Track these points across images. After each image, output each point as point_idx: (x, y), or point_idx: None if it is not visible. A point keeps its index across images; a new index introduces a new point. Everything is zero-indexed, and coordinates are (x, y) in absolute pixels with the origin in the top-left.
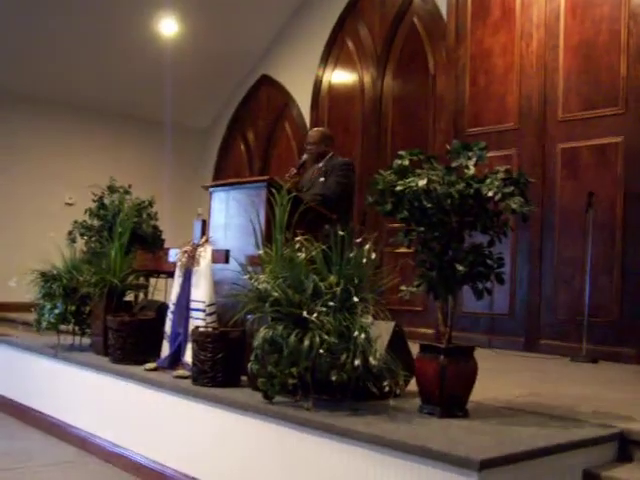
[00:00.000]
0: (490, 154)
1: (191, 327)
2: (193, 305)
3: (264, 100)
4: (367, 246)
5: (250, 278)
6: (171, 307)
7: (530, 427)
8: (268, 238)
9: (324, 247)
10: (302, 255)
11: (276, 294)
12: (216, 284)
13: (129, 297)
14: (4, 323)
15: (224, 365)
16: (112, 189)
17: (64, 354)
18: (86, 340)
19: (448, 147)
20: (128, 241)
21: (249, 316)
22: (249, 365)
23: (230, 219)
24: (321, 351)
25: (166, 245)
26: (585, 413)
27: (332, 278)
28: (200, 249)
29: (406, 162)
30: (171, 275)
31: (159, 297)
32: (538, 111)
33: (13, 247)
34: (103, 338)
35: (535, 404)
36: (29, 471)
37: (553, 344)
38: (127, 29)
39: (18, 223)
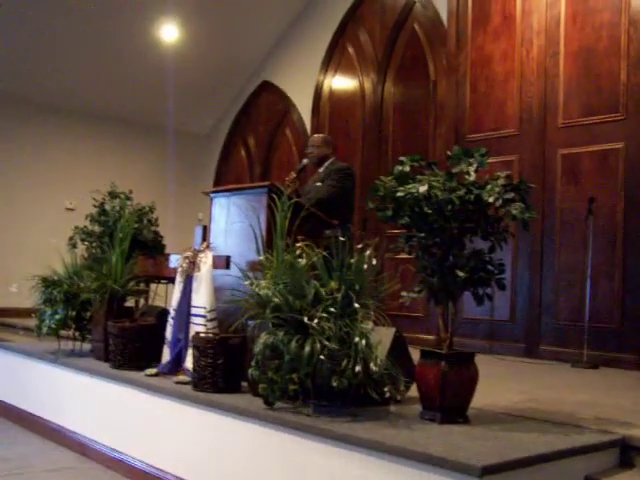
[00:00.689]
0: (491, 160)
1: (192, 333)
2: (194, 311)
3: (265, 106)
4: (368, 252)
5: (251, 284)
6: (172, 313)
7: (531, 433)
8: (269, 244)
9: (325, 253)
10: (303, 261)
11: (277, 300)
12: (217, 290)
13: (130, 303)
14: (5, 329)
15: (225, 371)
16: (113, 195)
17: (64, 360)
18: (87, 346)
19: (449, 153)
20: (129, 247)
21: (250, 322)
22: (250, 371)
23: (231, 225)
24: (322, 357)
25: (167, 251)
26: (586, 419)
27: (333, 284)
28: (201, 255)
29: (407, 168)
30: (172, 281)
31: (160, 303)
32: (538, 117)
33: (14, 253)
34: (104, 344)
35: (536, 410)
36: (29, 477)
37: (554, 350)
38: (128, 35)
39: (18, 228)
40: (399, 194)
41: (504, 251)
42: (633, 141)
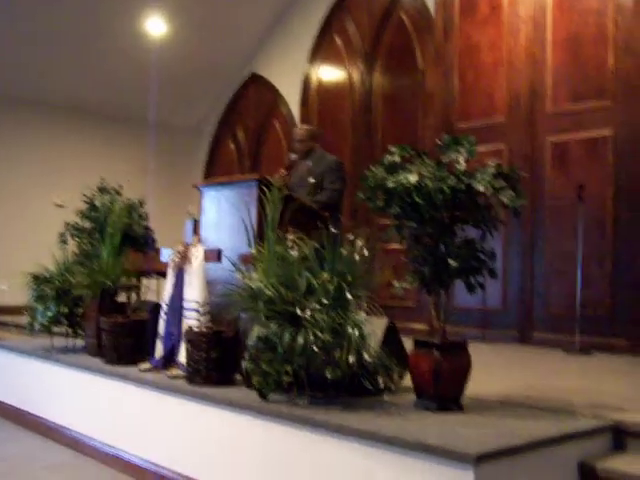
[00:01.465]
0: (480, 149)
1: (185, 327)
2: (186, 305)
3: (253, 98)
4: (359, 243)
5: (243, 277)
6: (164, 307)
7: (525, 420)
8: (260, 236)
9: (316, 244)
10: (294, 253)
11: (269, 292)
12: (209, 283)
13: (122, 298)
14: None
15: (218, 364)
16: (103, 190)
17: (58, 356)
18: (80, 342)
19: (438, 142)
20: (120, 242)
21: (242, 315)
22: (243, 363)
23: (222, 218)
24: (315, 348)
25: (158, 245)
26: (580, 405)
27: (325, 275)
28: (192, 248)
29: (397, 158)
30: (163, 275)
31: (152, 297)
32: (527, 105)
33: (3, 250)
34: (97, 339)
35: (530, 397)
36: (25, 475)
37: (546, 337)
38: (114, 29)
39: (7, 226)
40: (390, 184)
41: (495, 239)
42: (622, 127)
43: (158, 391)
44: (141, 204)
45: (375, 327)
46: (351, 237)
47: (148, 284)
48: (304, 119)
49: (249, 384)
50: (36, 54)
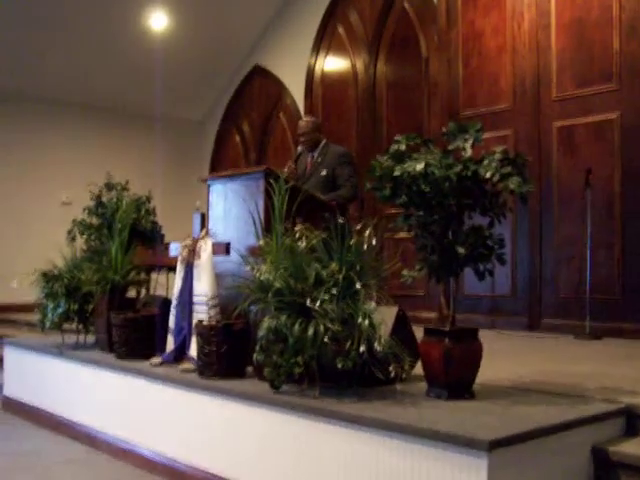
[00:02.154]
0: (486, 135)
1: (195, 321)
2: (196, 299)
3: (257, 90)
4: (367, 232)
5: (252, 269)
6: (174, 302)
7: (537, 406)
8: (268, 228)
9: (324, 235)
10: (303, 244)
11: (278, 284)
12: (218, 276)
13: (132, 293)
14: (8, 324)
15: (229, 357)
16: (110, 186)
17: (69, 353)
18: (90, 338)
19: (444, 129)
20: (128, 237)
21: (252, 307)
22: (254, 356)
23: (229, 211)
24: (325, 339)
25: (166, 240)
26: (591, 390)
27: (334, 265)
28: (200, 242)
29: (403, 147)
30: (172, 270)
31: (161, 292)
32: (532, 91)
33: (13, 248)
34: (107, 335)
35: (541, 383)
36: (41, 470)
37: (556, 323)
38: (118, 24)
39: (16, 224)
40: (396, 173)
41: (503, 226)
42: (628, 111)
43: (170, 385)
44: (148, 199)
45: (385, 316)
46: (359, 227)
47: (157, 279)
48: (309, 110)
49: (260, 376)
50: (43, 52)
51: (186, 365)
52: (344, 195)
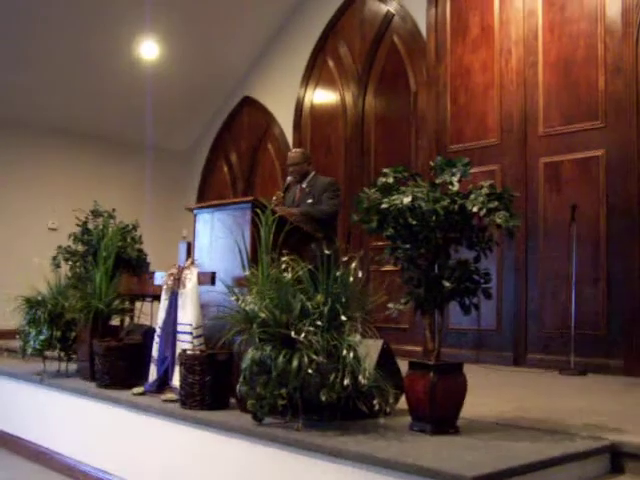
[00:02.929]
0: (473, 170)
1: (178, 350)
2: (180, 328)
3: (246, 121)
4: (353, 265)
5: (237, 299)
6: (158, 331)
7: (522, 442)
8: (254, 259)
9: (310, 266)
10: (288, 275)
11: (263, 315)
12: (203, 306)
13: (115, 322)
14: None
15: (212, 388)
16: (96, 213)
17: (50, 380)
18: (72, 366)
19: (432, 163)
20: (113, 265)
21: (237, 338)
22: (238, 387)
23: (215, 240)
24: (310, 371)
25: (150, 268)
26: (576, 426)
27: (319, 297)
28: (186, 271)
29: (390, 180)
30: (157, 298)
31: (145, 321)
32: (519, 126)
33: None
34: (90, 363)
35: (526, 419)
36: None
37: (541, 358)
38: (108, 52)
39: (1, 249)
40: (383, 206)
41: (489, 260)
42: (612, 148)
43: (151, 415)
44: (134, 227)
45: (370, 349)
46: (345, 259)
47: (141, 307)
48: (297, 142)
49: (243, 408)
50: (33, 79)
51: (169, 395)
52: (323, 209)
